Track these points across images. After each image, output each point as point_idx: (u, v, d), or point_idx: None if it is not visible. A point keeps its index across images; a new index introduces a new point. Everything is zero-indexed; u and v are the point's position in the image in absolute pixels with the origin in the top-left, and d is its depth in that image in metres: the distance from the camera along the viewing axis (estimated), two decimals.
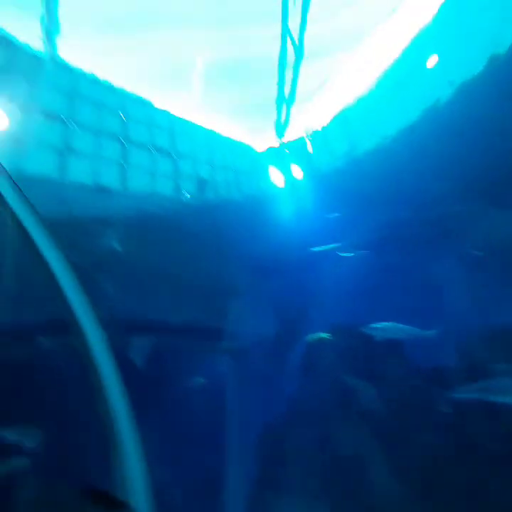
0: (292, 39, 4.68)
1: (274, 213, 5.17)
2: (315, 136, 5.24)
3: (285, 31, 4.64)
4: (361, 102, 5.03)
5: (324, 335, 4.32)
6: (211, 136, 5.11)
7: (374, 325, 3.76)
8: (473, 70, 4.64)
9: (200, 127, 5.06)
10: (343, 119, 5.13)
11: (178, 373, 4.40)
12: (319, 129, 5.21)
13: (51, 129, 4.33)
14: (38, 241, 3.42)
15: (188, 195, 5.19)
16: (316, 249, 4.93)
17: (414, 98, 4.91)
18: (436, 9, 4.84)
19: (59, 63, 4.29)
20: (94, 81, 4.49)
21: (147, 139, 4.84)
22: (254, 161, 5.41)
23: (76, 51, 4.28)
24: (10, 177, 3.19)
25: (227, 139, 5.21)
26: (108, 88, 4.57)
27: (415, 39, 4.93)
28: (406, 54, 4.92)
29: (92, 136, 4.60)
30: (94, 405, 2.63)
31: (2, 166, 3.15)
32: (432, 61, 4.84)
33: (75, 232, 4.54)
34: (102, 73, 4.33)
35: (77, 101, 4.50)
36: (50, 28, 4.04)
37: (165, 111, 4.95)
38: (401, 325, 3.71)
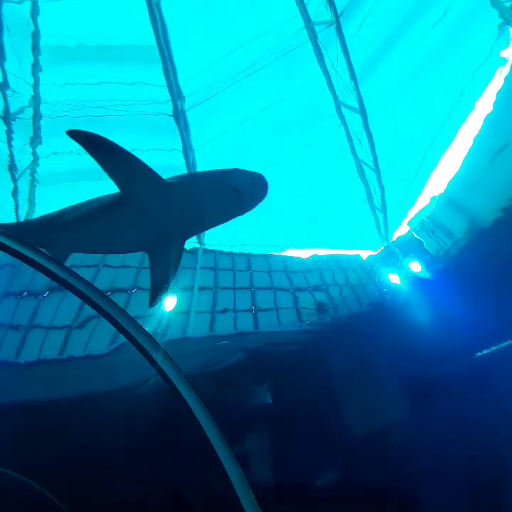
0: (368, 168, 5.06)
1: (408, 319, 4.74)
2: (423, 225, 4.97)
3: (358, 165, 5.05)
4: (464, 176, 4.74)
5: None
6: (318, 260, 5.30)
7: None
8: None
9: (310, 258, 5.34)
10: (449, 199, 4.85)
11: None
12: (425, 218, 4.95)
13: (202, 297, 5.33)
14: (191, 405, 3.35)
15: (309, 323, 5.07)
16: (482, 353, 4.27)
17: None
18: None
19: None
20: (228, 253, 5.57)
21: (267, 282, 5.16)
22: (365, 270, 5.23)
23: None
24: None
25: (332, 256, 5.29)
26: (235, 255, 5.60)
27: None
28: (496, 117, 4.67)
29: (229, 292, 5.42)
30: None
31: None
32: None
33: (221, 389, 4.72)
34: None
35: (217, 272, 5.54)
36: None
37: (279, 255, 5.57)
38: None
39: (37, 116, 5.32)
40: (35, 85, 5.27)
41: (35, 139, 5.33)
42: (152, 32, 5.41)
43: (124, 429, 4.00)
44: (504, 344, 4.32)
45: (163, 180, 3.18)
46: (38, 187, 5.31)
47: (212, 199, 3.28)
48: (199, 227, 3.75)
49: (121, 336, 3.61)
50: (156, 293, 3.63)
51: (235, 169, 3.40)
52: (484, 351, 4.42)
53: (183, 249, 3.61)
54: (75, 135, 3.00)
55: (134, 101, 5.52)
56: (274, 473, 4.25)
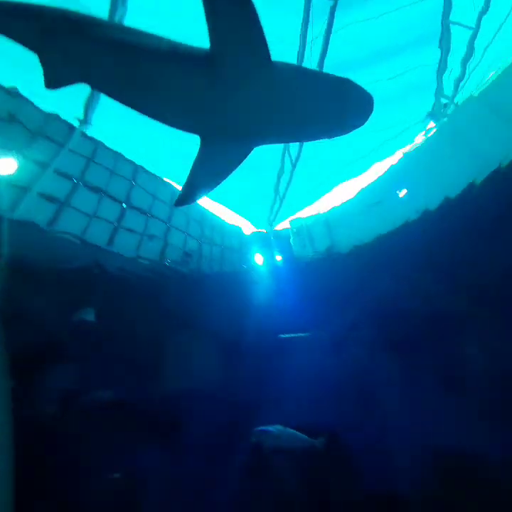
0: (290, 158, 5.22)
1: (252, 293, 5.34)
2: (300, 230, 5.60)
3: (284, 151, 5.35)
4: (343, 210, 5.58)
5: (272, 428, 4.17)
6: (205, 214, 5.21)
7: None
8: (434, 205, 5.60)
9: (197, 205, 5.10)
10: (326, 221, 5.61)
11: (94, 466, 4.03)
12: (304, 225, 5.59)
13: (59, 184, 4.56)
14: None
15: (170, 264, 5.01)
16: (284, 336, 5.28)
17: (387, 215, 5.64)
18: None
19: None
20: (110, 151, 4.78)
21: (147, 207, 4.73)
22: (241, 242, 5.50)
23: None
24: None
25: (219, 218, 5.32)
26: (121, 158, 4.87)
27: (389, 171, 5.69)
28: (382, 181, 5.64)
29: (96, 195, 4.72)
30: None
31: None
32: (402, 193, 5.68)
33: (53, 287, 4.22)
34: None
35: (91, 164, 4.58)
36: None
37: (169, 184, 5.01)
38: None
39: None
40: None
41: None
42: None
43: None
44: (301, 334, 5.54)
45: (270, 59, 2.26)
46: None
47: (317, 105, 2.46)
48: (283, 133, 2.64)
49: None
50: (189, 190, 2.67)
51: (348, 80, 2.60)
52: (286, 335, 5.54)
53: (248, 154, 2.62)
54: None
55: None
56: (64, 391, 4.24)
